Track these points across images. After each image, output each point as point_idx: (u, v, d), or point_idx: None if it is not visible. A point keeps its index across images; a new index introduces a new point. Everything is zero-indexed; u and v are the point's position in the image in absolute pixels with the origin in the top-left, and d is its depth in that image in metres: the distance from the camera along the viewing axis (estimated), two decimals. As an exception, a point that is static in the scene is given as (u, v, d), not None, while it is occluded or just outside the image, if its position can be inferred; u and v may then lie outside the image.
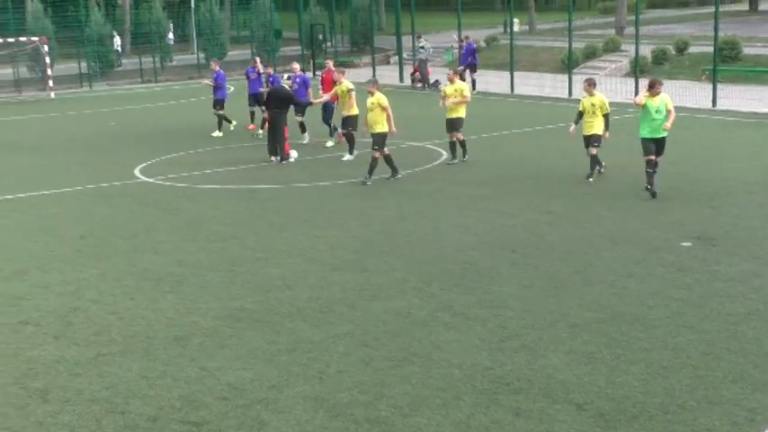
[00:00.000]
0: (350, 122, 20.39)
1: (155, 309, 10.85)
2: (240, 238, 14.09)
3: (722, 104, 27.01)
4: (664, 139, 15.80)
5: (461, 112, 19.38)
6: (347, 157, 20.34)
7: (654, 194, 15.49)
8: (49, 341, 9.92)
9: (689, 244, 12.79)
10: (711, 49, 29.49)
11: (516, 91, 33.20)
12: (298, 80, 23.40)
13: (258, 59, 25.93)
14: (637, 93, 28.80)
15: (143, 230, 14.79)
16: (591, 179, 17.11)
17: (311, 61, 43.85)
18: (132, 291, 11.62)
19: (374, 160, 17.56)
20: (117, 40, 43.84)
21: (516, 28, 38.11)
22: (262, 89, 23.78)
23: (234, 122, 25.23)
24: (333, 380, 8.57)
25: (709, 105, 27.05)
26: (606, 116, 17.19)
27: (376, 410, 7.88)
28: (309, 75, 25.53)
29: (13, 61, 40.87)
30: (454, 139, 19.42)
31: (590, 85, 17.45)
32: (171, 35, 44.65)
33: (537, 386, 8.25)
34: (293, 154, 20.65)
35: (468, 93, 19.56)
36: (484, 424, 7.54)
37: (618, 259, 12.17)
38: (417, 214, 15.18)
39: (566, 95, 31.16)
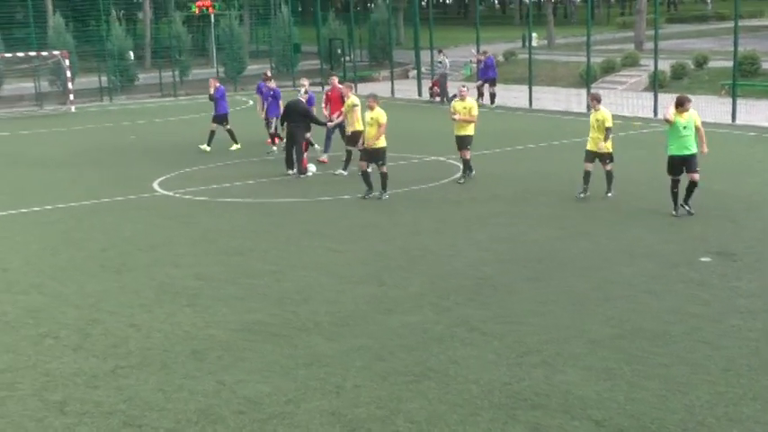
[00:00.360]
0: (355, 138, 20.11)
1: (172, 322, 10.88)
2: (258, 251, 14.12)
3: (742, 119, 26.87)
4: (693, 156, 15.23)
5: (470, 130, 19.18)
6: (339, 171, 20.27)
7: (690, 213, 15.23)
8: (68, 353, 9.96)
9: (709, 259, 12.72)
10: (731, 63, 29.37)
11: (534, 105, 33.16)
12: (271, 94, 24.08)
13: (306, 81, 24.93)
14: (656, 108, 28.75)
15: (162, 243, 14.84)
16: (610, 194, 16.96)
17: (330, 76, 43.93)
18: (150, 303, 11.66)
19: (384, 175, 17.55)
20: (130, 55, 44.00)
21: (535, 42, 38.09)
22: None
23: (240, 145, 24.88)
24: (350, 394, 8.56)
25: (729, 120, 26.92)
26: (607, 129, 16.82)
27: (393, 426, 7.86)
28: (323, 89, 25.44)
29: (35, 75, 41.17)
30: (463, 156, 19.17)
31: (594, 100, 17.24)
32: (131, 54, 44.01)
33: (555, 402, 8.21)
34: (311, 168, 20.68)
35: (476, 111, 19.28)
36: (501, 440, 7.50)
37: (636, 275, 12.11)
38: (434, 229, 15.16)
39: (584, 110, 31.08)
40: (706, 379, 8.62)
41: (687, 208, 15.25)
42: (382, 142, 17.64)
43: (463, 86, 20.10)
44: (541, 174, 19.92)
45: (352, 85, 22.59)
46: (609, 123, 16.83)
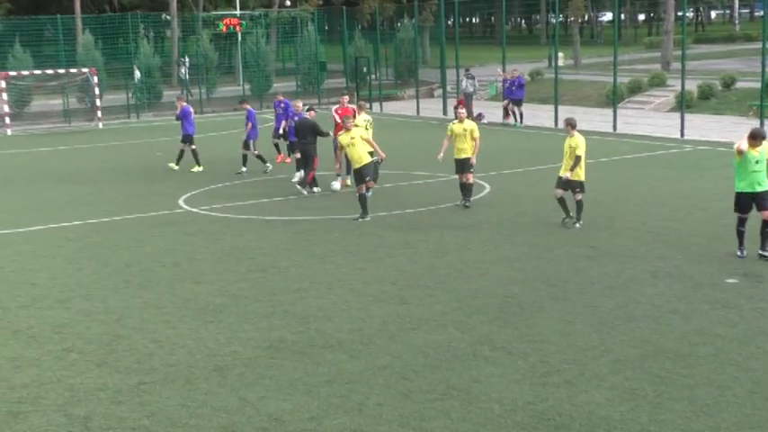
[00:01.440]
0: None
1: (196, 338, 10.91)
2: (281, 268, 14.15)
3: (769, 140, 26.66)
4: (765, 192, 13.75)
5: (470, 152, 18.51)
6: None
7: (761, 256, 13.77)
8: (92, 369, 10.00)
9: (735, 280, 12.62)
10: (759, 84, 29.21)
11: (560, 125, 33.07)
12: (281, 106, 24.83)
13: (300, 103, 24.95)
14: (683, 129, 28.63)
15: (186, 260, 14.91)
16: (578, 224, 16.24)
17: (356, 94, 44.10)
18: (174, 320, 11.70)
19: (361, 197, 17.67)
20: (137, 74, 44.23)
21: (561, 62, 38.08)
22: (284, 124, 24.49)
23: (203, 167, 25.02)
24: (372, 412, 8.54)
25: (757, 141, 26.71)
26: (577, 157, 16.09)
27: (415, 444, 7.83)
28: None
29: (63, 92, 41.59)
30: (463, 180, 18.49)
31: (568, 125, 16.49)
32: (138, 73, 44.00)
33: (578, 422, 8.15)
34: (335, 185, 20.69)
35: (477, 133, 18.50)
36: (524, 460, 7.45)
37: (661, 295, 12.03)
38: (459, 247, 15.14)
39: (610, 129, 31.02)
40: (732, 401, 8.53)
41: (765, 254, 13.69)
42: (368, 158, 17.82)
43: (460, 110, 19.37)
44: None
45: (364, 103, 22.53)
46: (580, 151, 16.12)
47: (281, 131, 24.69)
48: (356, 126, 18.52)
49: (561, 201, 16.40)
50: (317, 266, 14.19)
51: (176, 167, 25.08)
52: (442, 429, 8.11)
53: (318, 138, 20.71)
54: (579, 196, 16.33)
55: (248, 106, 25.34)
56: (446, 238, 15.85)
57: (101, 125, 39.48)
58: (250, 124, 24.34)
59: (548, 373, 9.36)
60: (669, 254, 14.20)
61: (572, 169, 16.14)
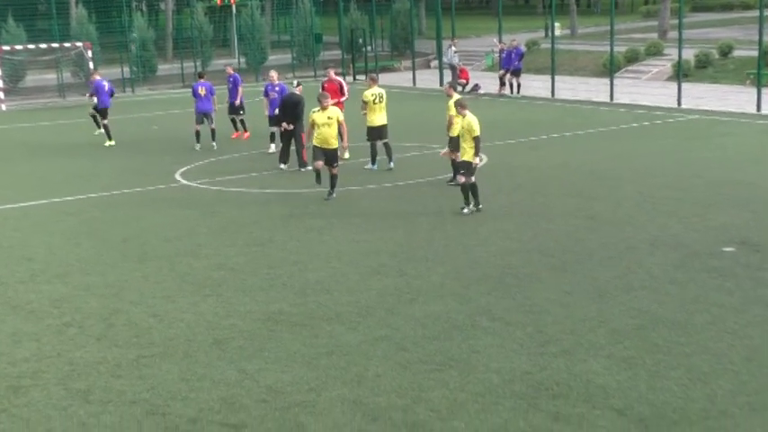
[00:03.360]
0: (378, 132, 19.81)
1: (194, 311, 10.93)
2: (279, 241, 14.16)
3: (767, 109, 26.64)
4: None
5: (455, 132, 17.05)
6: (368, 166, 20.03)
7: None
8: (91, 343, 10.03)
9: (732, 249, 12.64)
10: (756, 52, 29.10)
11: (557, 95, 33.03)
12: (231, 80, 24.91)
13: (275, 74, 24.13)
14: (680, 97, 28.56)
15: (184, 234, 14.91)
16: (465, 210, 15.40)
17: (352, 65, 43.95)
18: (172, 294, 11.72)
19: (335, 177, 17.14)
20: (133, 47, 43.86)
21: (557, 32, 37.86)
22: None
23: (113, 142, 25.75)
24: (371, 383, 8.58)
25: (754, 110, 26.70)
26: (476, 139, 15.15)
27: (414, 414, 7.88)
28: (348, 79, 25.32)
29: (58, 66, 41.38)
30: (452, 157, 17.57)
31: (459, 105, 15.64)
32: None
33: (576, 391, 8.19)
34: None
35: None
36: (522, 429, 7.50)
37: (659, 265, 12.06)
38: (457, 219, 15.14)
39: (607, 99, 30.95)
40: (729, 368, 8.58)
41: None
42: (336, 143, 17.26)
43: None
44: (563, 164, 19.84)
45: (376, 76, 22.05)
46: (476, 131, 15.21)
47: (239, 104, 24.96)
48: (334, 106, 17.64)
49: (465, 187, 15.43)
50: (315, 239, 14.20)
51: (113, 143, 25.75)
52: (440, 400, 8.15)
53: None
54: (463, 178, 15.38)
55: (202, 79, 24.94)
56: (444, 209, 15.84)
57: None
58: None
59: (546, 343, 9.40)
60: (667, 223, 14.22)
61: (476, 154, 15.24)
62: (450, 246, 13.47)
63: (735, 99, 28.42)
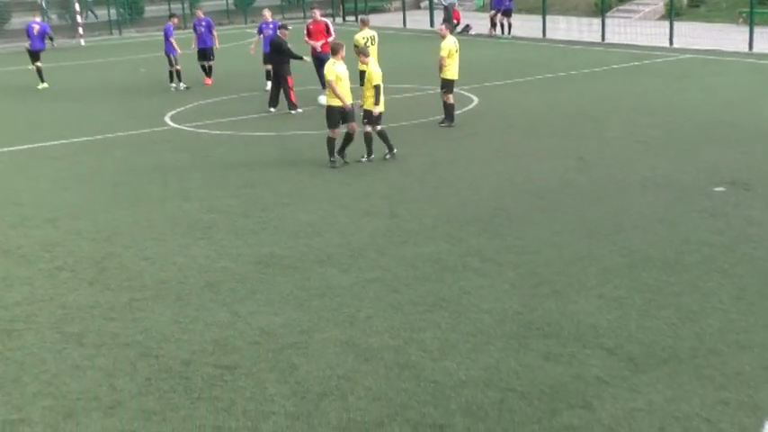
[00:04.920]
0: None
1: (186, 255, 10.94)
2: (270, 184, 14.13)
3: (759, 48, 26.51)
4: None
5: (445, 73, 17.64)
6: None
7: None
8: (84, 286, 10.05)
9: (722, 189, 12.67)
10: (748, -9, 28.88)
11: (548, 35, 32.80)
12: (204, 24, 24.74)
13: (201, 12, 25.59)
14: (672, 37, 28.38)
15: (174, 177, 14.86)
16: (363, 159, 15.16)
17: (341, 7, 43.51)
18: (164, 237, 11.72)
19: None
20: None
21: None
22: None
23: (45, 84, 26.19)
24: (363, 324, 8.63)
25: (746, 49, 26.58)
26: (376, 87, 14.86)
27: (406, 355, 7.94)
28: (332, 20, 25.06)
29: (43, 9, 40.83)
30: (443, 99, 17.87)
31: (360, 54, 15.66)
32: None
33: (567, 331, 8.26)
34: (321, 99, 20.36)
35: (444, 53, 17.08)
36: (513, 368, 7.57)
37: (649, 204, 12.09)
38: (449, 160, 15.12)
39: (598, 39, 30.76)
40: (718, 307, 8.64)
41: None
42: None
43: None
44: (554, 104, 19.78)
45: (368, 18, 21.73)
46: (376, 80, 14.89)
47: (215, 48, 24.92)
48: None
49: (368, 137, 15.18)
50: (307, 181, 14.17)
51: (46, 85, 26.11)
52: (432, 340, 8.21)
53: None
54: (368, 128, 15.13)
55: (171, 22, 25.11)
56: (436, 151, 15.81)
57: (83, 42, 38.93)
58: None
59: (537, 284, 9.45)
60: (658, 163, 14.22)
61: (376, 103, 14.94)
62: (442, 187, 13.46)
63: (727, 38, 28.26)
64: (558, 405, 6.93)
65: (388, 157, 15.27)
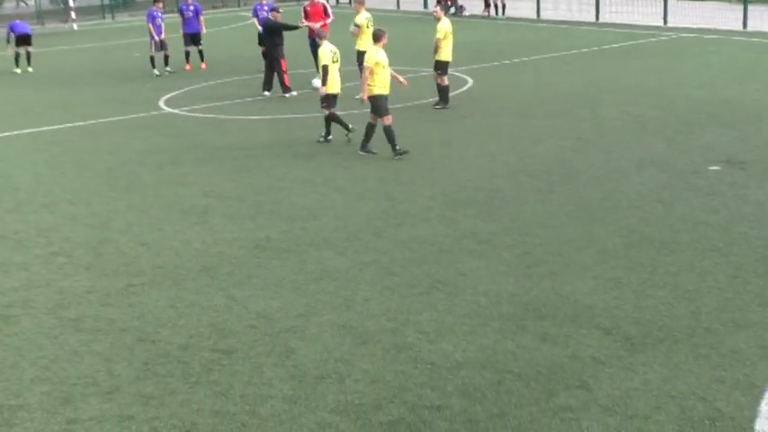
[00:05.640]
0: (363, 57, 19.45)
1: (182, 239, 10.94)
2: (265, 167, 14.11)
3: (753, 26, 26.48)
4: None
5: (439, 55, 17.71)
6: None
7: None
8: (80, 272, 10.04)
9: (717, 168, 12.68)
10: (743, -32, 28.80)
11: (542, 16, 32.71)
12: (192, 9, 24.49)
13: None
14: (666, 16, 28.33)
15: (169, 162, 14.84)
16: (320, 139, 15.50)
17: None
18: (160, 222, 11.71)
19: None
20: None
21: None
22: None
23: (18, 70, 26.44)
24: (360, 307, 8.64)
25: (740, 27, 26.55)
26: (324, 68, 14.98)
27: (403, 337, 7.95)
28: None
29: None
30: (437, 81, 17.89)
31: (318, 37, 15.63)
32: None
33: (563, 311, 8.27)
34: (316, 82, 20.31)
35: (440, 35, 17.51)
36: (510, 349, 7.59)
37: (645, 184, 12.10)
38: (444, 142, 15.11)
39: (593, 19, 30.70)
40: (713, 286, 8.66)
41: None
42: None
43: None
44: (550, 85, 19.76)
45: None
46: (323, 61, 15.00)
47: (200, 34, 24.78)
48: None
49: (328, 120, 15.39)
50: (302, 165, 14.16)
51: (19, 71, 26.38)
52: (428, 322, 8.22)
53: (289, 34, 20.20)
54: (327, 112, 15.28)
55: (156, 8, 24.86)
56: (431, 133, 15.80)
57: (76, 26, 38.77)
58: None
59: (533, 265, 9.46)
60: (653, 143, 14.22)
61: (323, 84, 15.06)
62: (437, 169, 13.46)
63: (721, 17, 28.18)
64: (554, 386, 6.95)
65: (323, 140, 15.53)
